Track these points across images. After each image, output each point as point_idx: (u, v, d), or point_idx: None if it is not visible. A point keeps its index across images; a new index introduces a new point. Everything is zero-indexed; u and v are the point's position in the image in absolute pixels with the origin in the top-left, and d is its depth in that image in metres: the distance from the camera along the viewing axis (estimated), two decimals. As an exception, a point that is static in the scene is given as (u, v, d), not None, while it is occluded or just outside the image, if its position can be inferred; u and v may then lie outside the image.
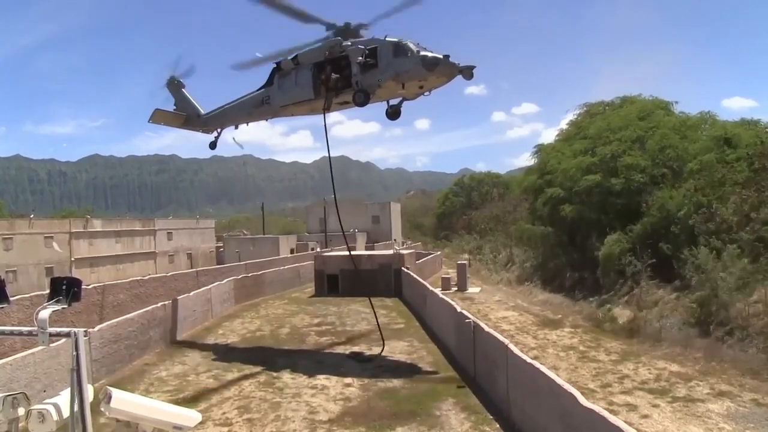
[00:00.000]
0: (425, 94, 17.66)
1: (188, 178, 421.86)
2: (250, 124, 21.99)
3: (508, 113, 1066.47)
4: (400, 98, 18.58)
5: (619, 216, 26.58)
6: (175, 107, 22.96)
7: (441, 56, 16.25)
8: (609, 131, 29.68)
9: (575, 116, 37.46)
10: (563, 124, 44.46)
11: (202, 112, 22.73)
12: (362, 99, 17.51)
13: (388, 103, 18.88)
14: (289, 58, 19.01)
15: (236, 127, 22.38)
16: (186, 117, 22.80)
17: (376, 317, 20.22)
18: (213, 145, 23.10)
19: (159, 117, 22.26)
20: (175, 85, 22.87)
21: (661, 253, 23.24)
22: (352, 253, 39.50)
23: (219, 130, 22.67)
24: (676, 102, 31.45)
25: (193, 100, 23.01)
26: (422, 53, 16.52)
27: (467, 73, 16.12)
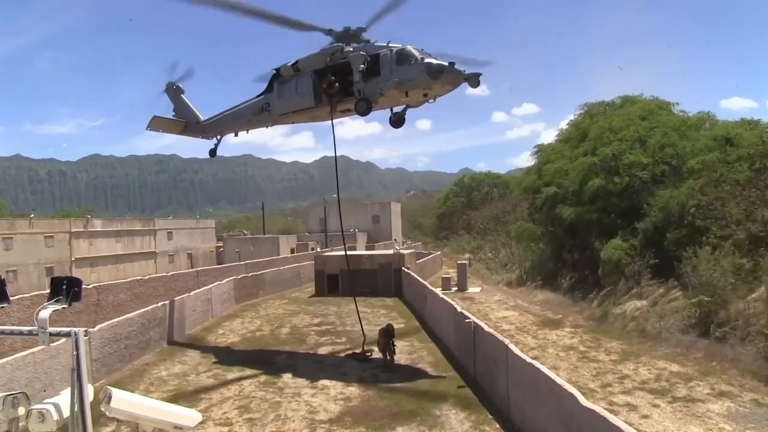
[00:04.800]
0: (429, 101, 17.17)
1: (188, 178, 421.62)
2: (249, 131, 21.78)
3: (508, 113, 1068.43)
4: (404, 105, 18.22)
5: (622, 216, 26.55)
6: (174, 113, 22.68)
7: (446, 64, 15.75)
8: (610, 131, 29.66)
9: (575, 116, 37.46)
10: (563, 125, 44.47)
11: (202, 118, 22.39)
12: (364, 108, 17.07)
13: (391, 110, 18.54)
14: (289, 64, 18.65)
15: (236, 134, 22.09)
16: (185, 124, 22.50)
17: None
18: (213, 153, 22.86)
19: (157, 124, 21.94)
20: (173, 91, 22.59)
21: (663, 252, 23.23)
22: (352, 253, 39.71)
23: (218, 137, 22.40)
24: (677, 103, 31.45)
25: (192, 106, 22.72)
26: (426, 60, 16.00)
27: (473, 80, 15.61)
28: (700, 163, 23.95)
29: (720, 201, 21.56)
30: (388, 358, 17.56)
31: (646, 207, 25.08)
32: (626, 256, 24.21)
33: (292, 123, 20.96)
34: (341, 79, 17.56)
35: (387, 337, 17.57)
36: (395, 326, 23.89)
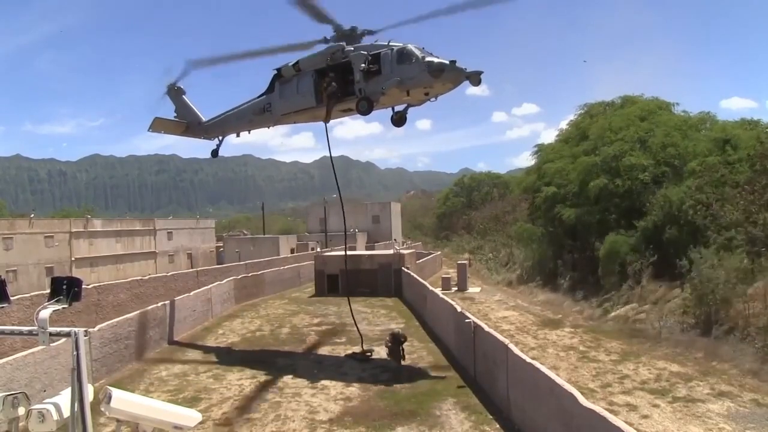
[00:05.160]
0: (431, 100, 17.07)
1: (188, 178, 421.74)
2: (251, 131, 21.74)
3: (508, 113, 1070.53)
4: (405, 104, 18.15)
5: (623, 216, 26.56)
6: (175, 114, 22.67)
7: (447, 62, 15.63)
8: (610, 131, 29.67)
9: (575, 116, 37.49)
10: (563, 125, 44.40)
11: (203, 119, 22.39)
12: (365, 107, 17.02)
13: (393, 109, 18.47)
14: (290, 64, 18.62)
15: (237, 135, 22.06)
16: (187, 125, 22.51)
17: None
18: (215, 153, 22.80)
19: (159, 125, 21.94)
20: (175, 92, 22.56)
21: (663, 252, 23.24)
22: (352, 253, 39.74)
23: (220, 137, 22.40)
24: (677, 103, 31.48)
25: (194, 107, 22.70)
26: (427, 59, 15.88)
27: (474, 78, 15.48)
28: (701, 164, 23.99)
29: (720, 202, 21.56)
30: (396, 362, 16.73)
31: (648, 206, 25.10)
32: (630, 252, 24.19)
33: (294, 123, 20.95)
34: (342, 79, 17.50)
35: (396, 343, 16.70)
36: (395, 326, 23.91)
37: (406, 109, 18.46)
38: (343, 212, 21.79)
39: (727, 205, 21.24)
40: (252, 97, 20.59)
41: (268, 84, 19.80)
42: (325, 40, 17.88)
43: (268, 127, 21.17)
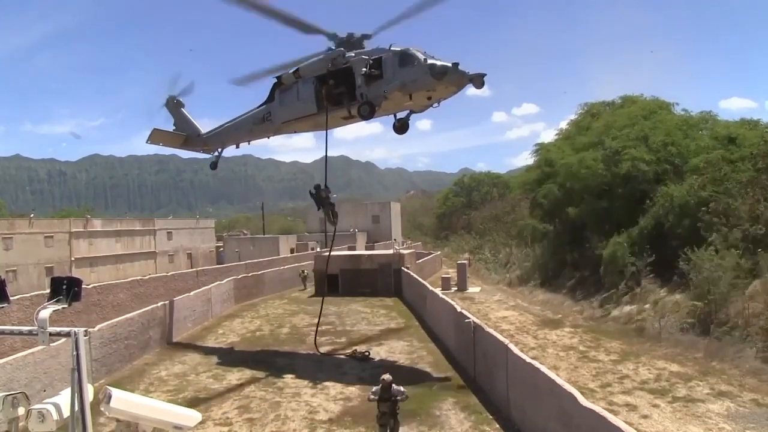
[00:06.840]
0: (434, 105, 16.89)
1: (188, 178, 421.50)
2: (251, 142, 21.69)
3: (508, 113, 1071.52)
4: (408, 111, 17.95)
5: (624, 212, 26.55)
6: (174, 127, 22.74)
7: (450, 65, 15.47)
8: (614, 128, 29.70)
9: (576, 116, 37.52)
10: (563, 125, 44.45)
11: (202, 131, 22.42)
12: (367, 112, 16.88)
13: (395, 116, 18.31)
14: (290, 71, 18.47)
15: (237, 146, 22.03)
16: (186, 137, 22.56)
17: None
18: (214, 166, 22.83)
19: (158, 137, 21.98)
20: (174, 105, 22.65)
21: (663, 251, 23.22)
22: (352, 252, 39.76)
23: (219, 149, 22.40)
24: (677, 103, 31.50)
25: (192, 120, 22.76)
26: (430, 62, 15.74)
27: (478, 81, 15.32)
28: (704, 161, 23.96)
29: (729, 197, 21.50)
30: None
31: (647, 203, 25.09)
32: (629, 255, 24.18)
33: (295, 132, 20.74)
34: (343, 84, 17.38)
35: (390, 402, 10.78)
36: (395, 327, 23.98)
37: (408, 115, 18.28)
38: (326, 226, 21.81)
39: (736, 200, 21.16)
40: (251, 108, 20.52)
41: (268, 93, 19.68)
42: (331, 36, 17.71)
43: (269, 137, 21.15)
